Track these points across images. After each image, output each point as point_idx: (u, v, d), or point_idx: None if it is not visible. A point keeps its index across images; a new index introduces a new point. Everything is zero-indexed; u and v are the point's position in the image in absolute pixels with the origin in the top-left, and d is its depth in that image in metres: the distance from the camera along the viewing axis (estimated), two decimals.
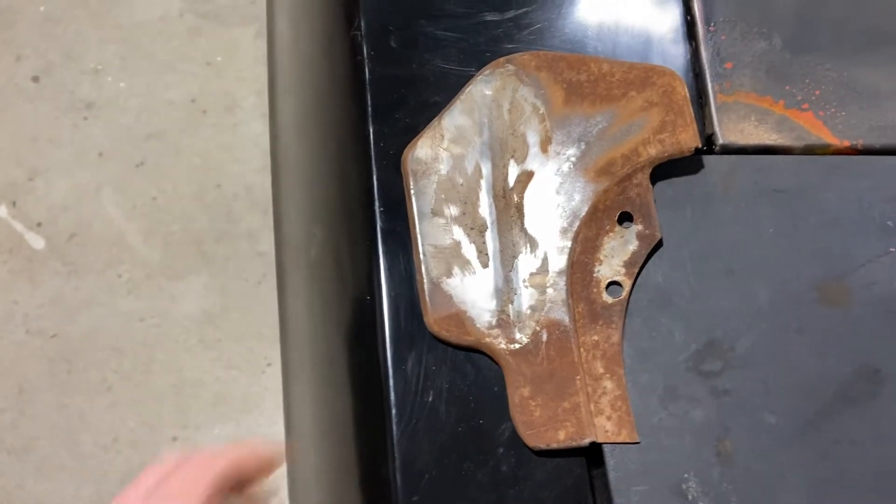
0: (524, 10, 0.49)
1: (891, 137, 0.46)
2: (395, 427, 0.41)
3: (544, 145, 0.45)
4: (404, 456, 0.41)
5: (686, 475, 0.40)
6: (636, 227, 0.44)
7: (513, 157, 0.45)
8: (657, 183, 0.45)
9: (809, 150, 0.46)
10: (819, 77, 0.47)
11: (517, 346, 0.43)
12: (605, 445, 0.41)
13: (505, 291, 0.43)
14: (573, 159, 0.45)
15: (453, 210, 0.45)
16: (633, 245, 0.44)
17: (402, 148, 0.46)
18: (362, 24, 0.49)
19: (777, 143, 0.46)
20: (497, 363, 0.43)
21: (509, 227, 0.44)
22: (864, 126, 0.46)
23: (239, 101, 1.35)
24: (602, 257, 0.44)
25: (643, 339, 0.43)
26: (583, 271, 0.44)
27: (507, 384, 0.42)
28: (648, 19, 0.49)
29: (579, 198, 0.45)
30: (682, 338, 0.43)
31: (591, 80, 0.46)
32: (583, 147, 0.45)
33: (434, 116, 0.46)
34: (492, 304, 0.43)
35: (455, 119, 0.46)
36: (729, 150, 0.46)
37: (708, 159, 0.46)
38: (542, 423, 0.41)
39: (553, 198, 0.45)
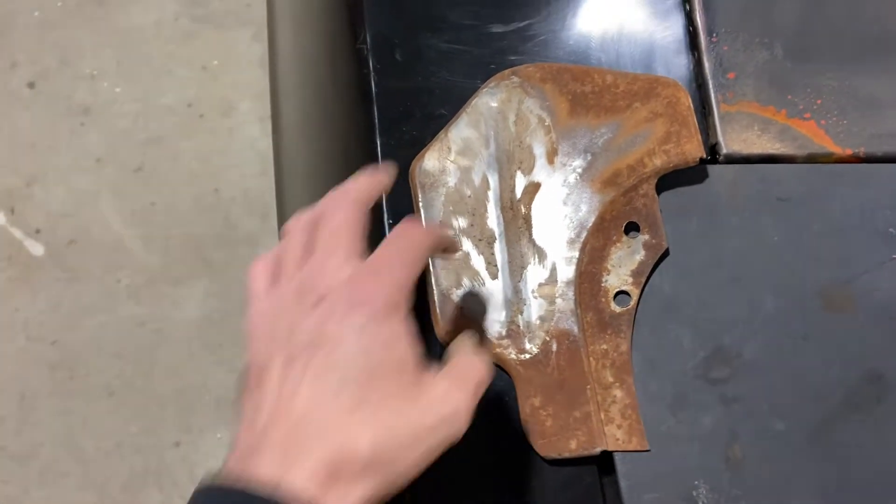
0: (528, 21, 0.50)
1: (892, 145, 0.47)
2: None
3: (550, 156, 0.46)
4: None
5: (696, 482, 0.41)
6: (643, 237, 0.45)
7: (519, 168, 0.46)
8: (662, 192, 0.46)
9: (812, 159, 0.47)
10: (820, 86, 0.48)
11: (527, 356, 0.43)
12: (615, 454, 0.41)
13: (514, 302, 0.44)
14: (579, 170, 0.46)
15: (462, 222, 0.45)
16: (640, 255, 0.45)
17: (409, 160, 0.46)
18: (368, 37, 0.50)
19: (780, 152, 0.47)
20: (507, 373, 0.43)
21: (517, 238, 0.45)
22: (865, 134, 0.47)
23: (236, 105, 1.35)
24: (609, 267, 0.45)
25: (652, 348, 0.43)
26: (591, 281, 0.44)
27: (518, 394, 0.43)
28: (651, 30, 0.50)
29: (586, 208, 0.45)
30: (689, 346, 0.43)
31: (596, 91, 0.47)
32: (588, 158, 0.46)
33: (440, 128, 0.47)
34: (501, 315, 0.44)
35: (461, 131, 0.46)
36: (733, 159, 0.47)
37: (712, 169, 0.47)
38: (553, 432, 0.42)
39: (560, 209, 0.45)
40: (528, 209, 0.45)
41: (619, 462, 0.41)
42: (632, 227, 0.45)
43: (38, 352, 1.22)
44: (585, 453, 0.41)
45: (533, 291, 0.44)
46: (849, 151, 0.47)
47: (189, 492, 0.31)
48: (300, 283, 0.35)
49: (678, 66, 0.49)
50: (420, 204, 0.45)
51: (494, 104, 0.47)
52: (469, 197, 0.45)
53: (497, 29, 0.50)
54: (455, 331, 0.43)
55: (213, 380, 1.20)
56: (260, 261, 0.38)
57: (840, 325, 0.44)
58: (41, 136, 1.32)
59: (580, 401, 0.42)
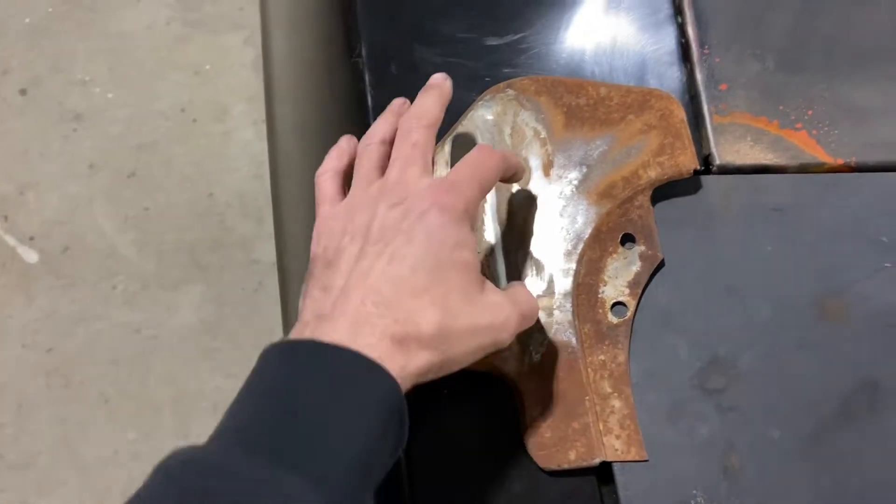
0: (522, 34, 0.50)
1: (883, 154, 0.48)
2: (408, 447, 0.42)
3: (546, 169, 0.46)
4: (418, 477, 0.42)
5: (694, 491, 0.41)
6: (639, 248, 0.46)
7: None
8: (657, 204, 0.46)
9: (804, 169, 0.48)
10: (812, 97, 0.48)
11: (526, 367, 0.44)
12: (614, 464, 0.42)
13: None
14: (575, 182, 0.46)
15: None
16: (636, 266, 0.45)
17: None
18: (363, 50, 0.50)
19: (773, 162, 0.47)
20: (508, 385, 0.44)
21: (515, 250, 0.45)
22: (856, 144, 0.48)
23: (229, 109, 1.35)
24: (606, 278, 0.45)
25: (649, 358, 0.44)
26: (588, 293, 0.45)
27: (518, 406, 0.43)
28: (644, 42, 0.50)
29: (582, 220, 0.46)
30: (686, 356, 0.44)
31: (591, 104, 0.47)
32: (584, 170, 0.46)
33: (437, 141, 0.47)
34: None
35: (457, 144, 0.47)
36: (726, 170, 0.47)
37: (706, 180, 0.47)
38: (552, 443, 0.42)
39: (557, 221, 0.46)
40: (524, 221, 0.46)
41: (618, 472, 0.42)
42: (628, 239, 0.46)
43: (33, 360, 1.22)
44: (584, 464, 0.42)
45: None
46: (840, 161, 0.48)
47: None
48: (381, 188, 0.39)
49: (671, 78, 0.49)
50: None
51: (490, 117, 0.47)
52: None
53: (492, 42, 0.50)
54: None
55: (209, 385, 1.20)
56: (327, 171, 0.42)
57: (834, 333, 0.44)
58: (34, 142, 1.32)
59: (579, 412, 0.43)
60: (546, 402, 0.43)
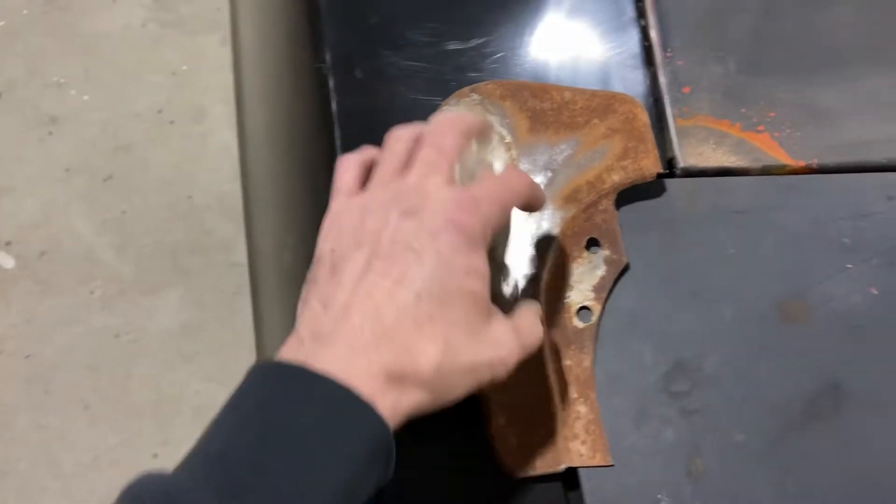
0: (486, 38, 0.50)
1: (845, 156, 0.48)
2: None
3: None
4: (387, 485, 0.42)
5: (659, 495, 0.41)
6: (604, 253, 0.46)
7: None
8: (622, 207, 0.47)
9: (767, 171, 0.48)
10: (774, 99, 0.48)
11: None
12: (580, 470, 0.42)
13: None
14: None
15: None
16: (601, 270, 0.45)
17: None
18: (327, 55, 0.50)
19: (735, 164, 0.48)
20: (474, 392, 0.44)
21: None
22: (818, 146, 0.48)
23: (206, 110, 1.34)
24: (572, 283, 0.45)
25: (614, 363, 0.44)
26: (553, 298, 0.45)
27: (484, 413, 0.43)
28: (607, 46, 0.50)
29: (547, 225, 0.46)
30: (651, 360, 0.44)
31: (555, 108, 0.47)
32: (549, 175, 0.46)
33: None
34: None
35: None
36: (690, 172, 0.48)
37: (670, 183, 0.47)
38: (518, 450, 0.42)
39: (522, 226, 0.46)
40: None
41: (584, 478, 0.42)
42: (593, 243, 0.46)
43: (12, 366, 1.21)
44: (550, 470, 0.42)
45: None
46: (802, 163, 0.48)
47: None
48: (397, 191, 0.36)
49: (634, 81, 0.49)
50: None
51: None
52: None
53: (455, 46, 0.50)
54: None
55: (189, 390, 1.20)
56: (348, 160, 0.40)
57: (797, 335, 0.44)
58: (8, 146, 1.30)
59: (545, 418, 0.43)
60: (512, 408, 0.43)
